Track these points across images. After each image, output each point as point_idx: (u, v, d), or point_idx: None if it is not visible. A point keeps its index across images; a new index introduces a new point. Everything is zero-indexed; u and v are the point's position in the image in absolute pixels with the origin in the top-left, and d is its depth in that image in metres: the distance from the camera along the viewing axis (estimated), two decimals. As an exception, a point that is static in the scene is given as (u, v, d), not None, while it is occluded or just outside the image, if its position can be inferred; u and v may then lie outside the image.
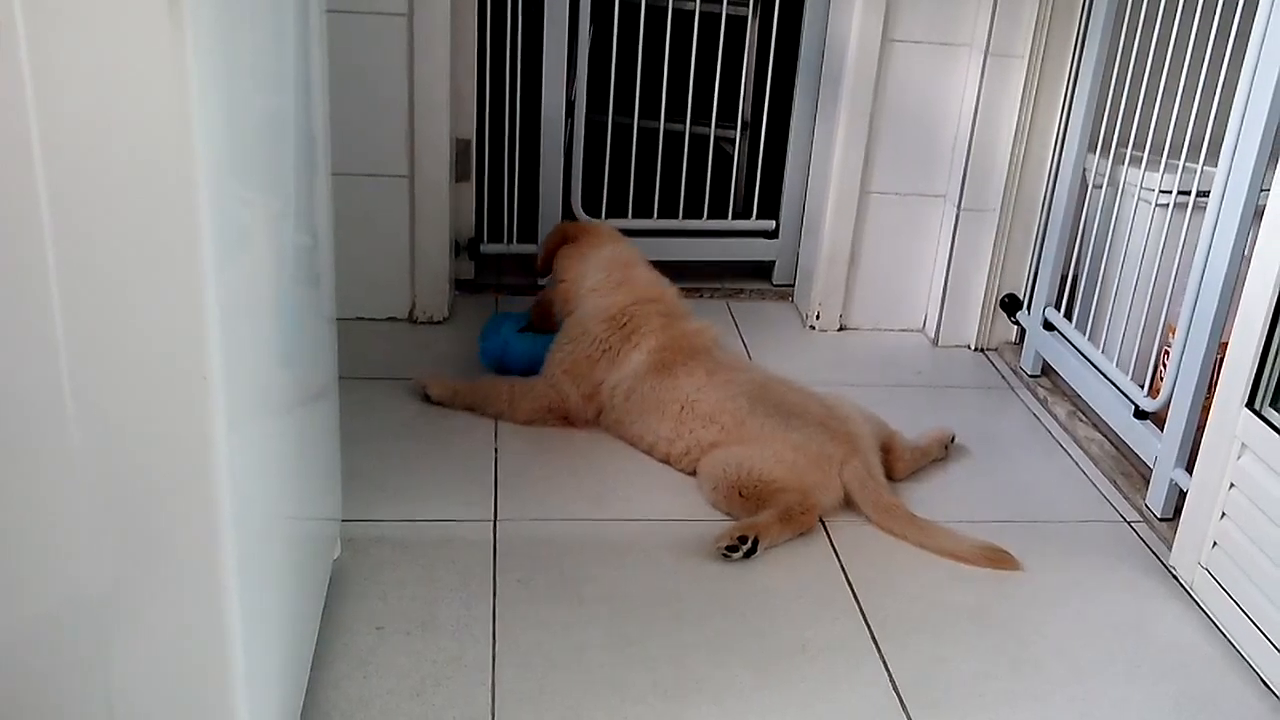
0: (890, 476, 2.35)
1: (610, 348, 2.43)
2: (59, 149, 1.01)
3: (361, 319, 2.89)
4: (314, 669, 1.71)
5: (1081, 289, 2.72)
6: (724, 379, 2.38)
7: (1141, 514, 2.34)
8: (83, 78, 0.99)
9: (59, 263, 1.04)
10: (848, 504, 2.24)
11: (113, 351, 1.08)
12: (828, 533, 2.21)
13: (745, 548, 2.07)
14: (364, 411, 2.42)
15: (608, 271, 2.52)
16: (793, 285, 3.30)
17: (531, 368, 2.55)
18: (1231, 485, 1.99)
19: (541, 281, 2.73)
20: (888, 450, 2.37)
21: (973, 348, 3.08)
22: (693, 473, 2.33)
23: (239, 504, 1.18)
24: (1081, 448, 2.59)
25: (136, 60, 0.99)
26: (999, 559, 2.13)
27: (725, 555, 2.08)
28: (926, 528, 2.19)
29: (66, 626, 1.20)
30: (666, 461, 2.38)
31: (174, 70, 0.99)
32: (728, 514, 2.22)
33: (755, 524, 2.11)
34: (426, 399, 2.53)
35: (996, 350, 3.07)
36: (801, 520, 2.16)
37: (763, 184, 3.25)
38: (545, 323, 2.59)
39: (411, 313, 2.94)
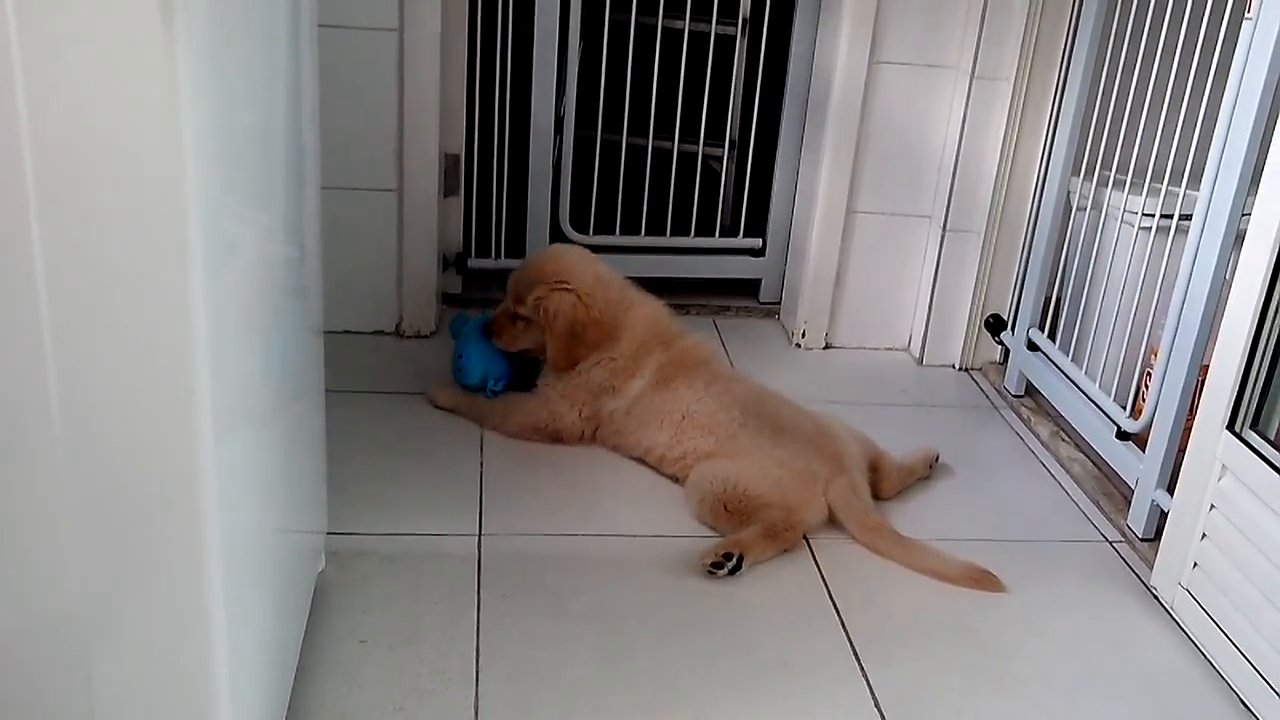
0: (877, 496, 2.36)
1: (614, 387, 2.45)
2: (50, 162, 1.01)
3: (349, 332, 2.89)
4: (297, 682, 1.70)
5: (1065, 310, 2.74)
6: (721, 389, 2.40)
7: (1123, 534, 2.36)
8: (74, 91, 1.00)
9: (47, 274, 1.04)
10: (832, 522, 2.25)
11: (100, 363, 1.08)
12: (812, 550, 2.21)
13: (730, 564, 2.08)
14: (350, 424, 2.41)
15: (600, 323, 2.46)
16: (779, 303, 3.31)
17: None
18: (1212, 507, 2.00)
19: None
20: (875, 469, 2.38)
21: (957, 367, 3.09)
22: (681, 479, 2.34)
23: (224, 515, 1.18)
24: (1064, 468, 2.61)
25: (128, 73, 0.99)
26: (983, 580, 2.13)
27: (711, 572, 2.08)
28: (911, 547, 2.19)
29: (50, 637, 1.19)
30: (659, 466, 2.40)
31: (166, 83, 1.00)
32: (712, 527, 2.23)
33: (740, 541, 2.12)
34: (436, 407, 2.57)
35: (981, 370, 3.09)
36: (785, 537, 2.17)
37: (750, 202, 3.27)
38: (511, 343, 2.54)
39: (399, 326, 2.94)
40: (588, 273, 2.49)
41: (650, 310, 2.54)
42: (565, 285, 2.44)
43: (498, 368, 2.58)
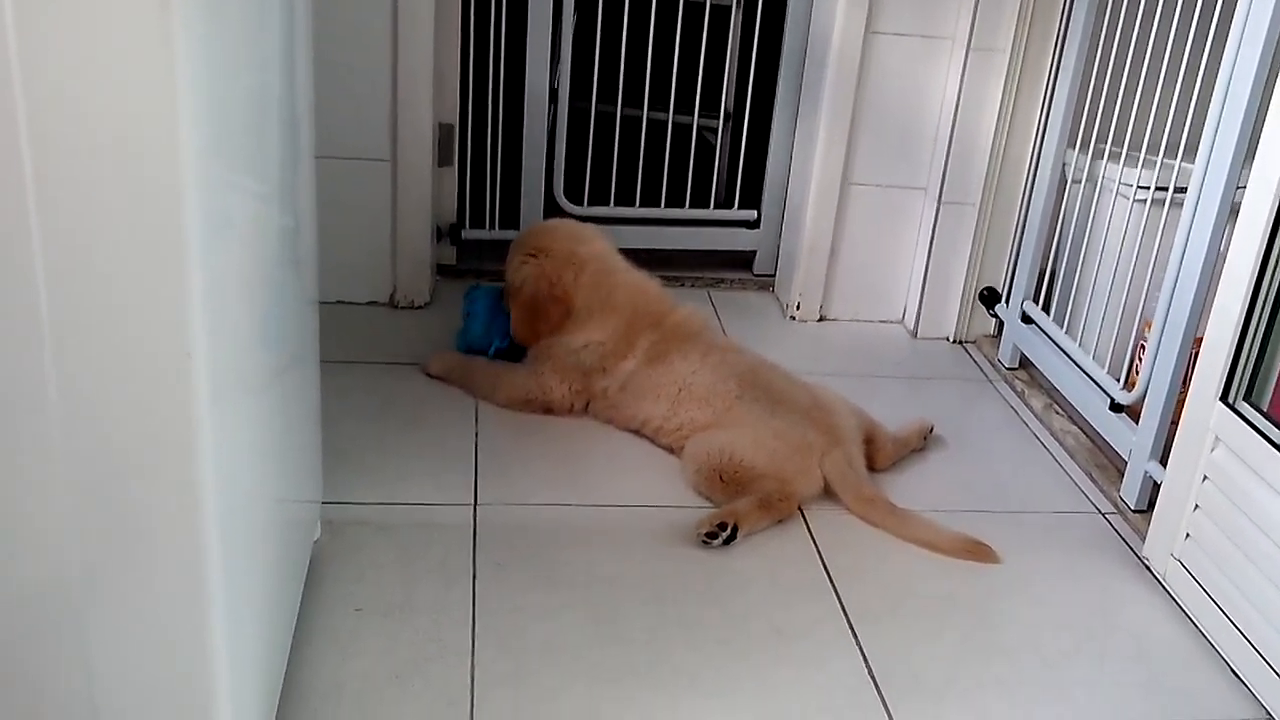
0: (872, 468, 2.37)
1: (605, 369, 2.45)
2: (44, 129, 1.01)
3: (343, 303, 2.88)
4: (293, 650, 1.71)
5: (1059, 283, 2.75)
6: (717, 360, 2.40)
7: (1116, 505, 2.37)
8: (69, 58, 0.99)
9: (44, 243, 1.04)
10: (827, 493, 2.26)
11: (96, 331, 1.08)
12: (806, 521, 2.22)
13: (725, 535, 2.08)
14: (345, 394, 2.41)
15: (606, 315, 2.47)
16: (773, 275, 3.31)
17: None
18: (1205, 478, 2.01)
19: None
20: (870, 442, 2.39)
21: (951, 340, 3.10)
22: (677, 449, 2.35)
23: (220, 485, 1.18)
24: (1057, 440, 2.62)
25: (123, 42, 0.99)
26: (976, 551, 2.14)
27: (705, 542, 2.09)
28: (905, 518, 2.20)
29: (46, 606, 1.20)
30: (656, 436, 2.40)
31: (160, 52, 0.99)
32: (707, 497, 2.23)
33: (735, 511, 2.13)
34: (429, 376, 2.58)
35: (975, 343, 3.09)
36: (780, 508, 2.18)
37: (745, 174, 3.26)
38: (531, 338, 2.52)
39: (393, 297, 2.94)
40: (565, 249, 2.48)
41: (637, 290, 2.51)
42: (535, 256, 2.47)
43: (500, 329, 2.60)
